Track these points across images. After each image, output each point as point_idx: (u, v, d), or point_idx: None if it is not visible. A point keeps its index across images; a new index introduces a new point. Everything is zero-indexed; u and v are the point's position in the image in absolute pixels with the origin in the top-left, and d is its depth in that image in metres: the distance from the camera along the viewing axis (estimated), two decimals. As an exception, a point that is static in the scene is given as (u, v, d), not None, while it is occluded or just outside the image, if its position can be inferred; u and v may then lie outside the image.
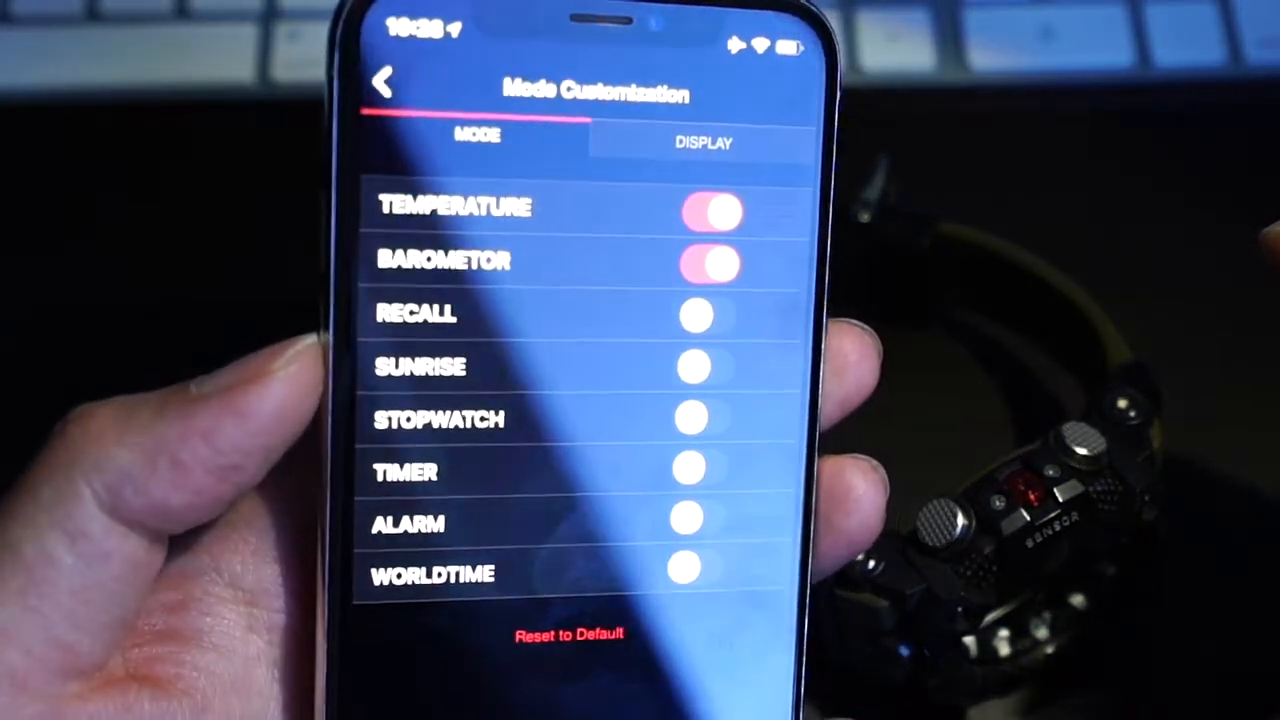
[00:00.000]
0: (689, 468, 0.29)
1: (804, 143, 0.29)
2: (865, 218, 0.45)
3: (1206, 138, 0.52)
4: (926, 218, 0.45)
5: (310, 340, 0.27)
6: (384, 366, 0.28)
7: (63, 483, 0.26)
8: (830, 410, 0.30)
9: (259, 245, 0.48)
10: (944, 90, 0.52)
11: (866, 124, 0.52)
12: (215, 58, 0.52)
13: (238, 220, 0.49)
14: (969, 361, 0.47)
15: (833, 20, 0.52)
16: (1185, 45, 0.52)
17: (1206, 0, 0.53)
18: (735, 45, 0.28)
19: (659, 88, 0.28)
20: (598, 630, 0.29)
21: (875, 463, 0.30)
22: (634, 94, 0.28)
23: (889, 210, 0.45)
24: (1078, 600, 0.39)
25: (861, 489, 0.29)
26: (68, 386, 0.29)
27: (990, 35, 0.53)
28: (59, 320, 0.48)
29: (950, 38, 0.53)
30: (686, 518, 0.29)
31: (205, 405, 0.26)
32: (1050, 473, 0.35)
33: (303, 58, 0.52)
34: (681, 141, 0.28)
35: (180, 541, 0.28)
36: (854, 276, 0.47)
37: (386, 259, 0.27)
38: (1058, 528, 0.35)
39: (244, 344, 0.28)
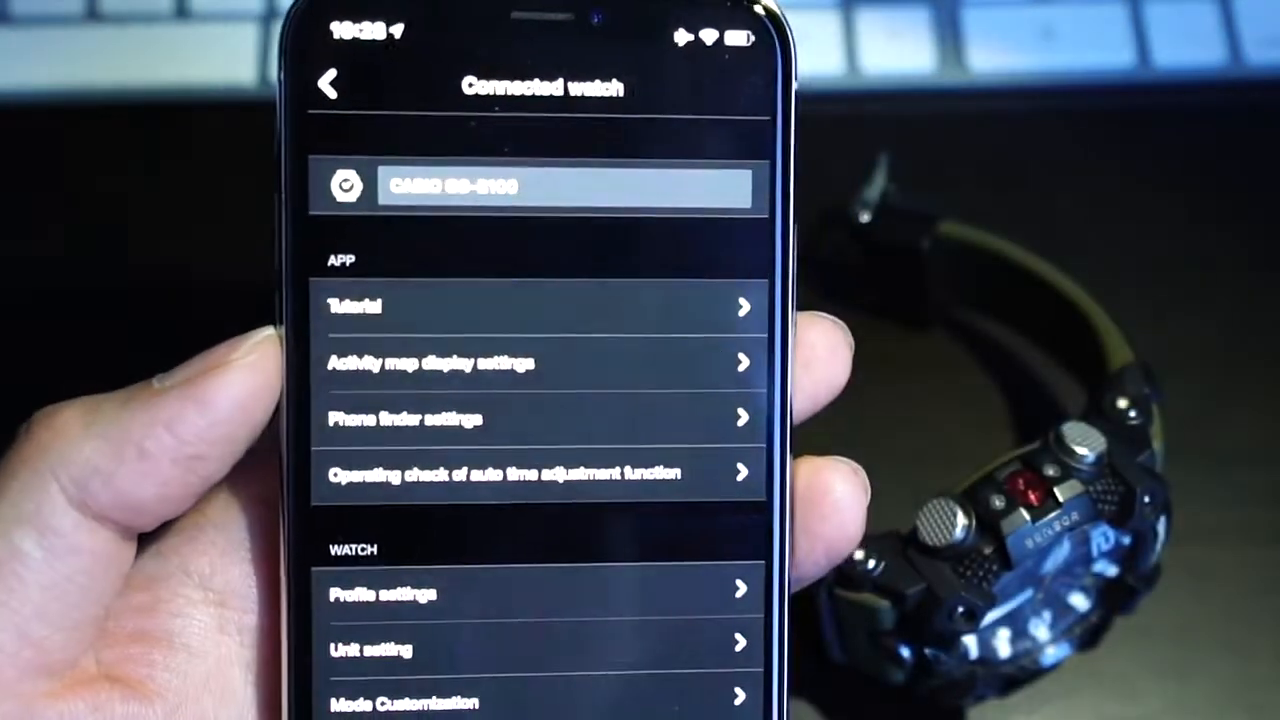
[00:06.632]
0: (647, 469, 0.28)
1: (759, 133, 0.28)
2: (865, 218, 0.45)
3: (1206, 138, 0.52)
4: (926, 218, 0.45)
5: (269, 331, 0.27)
6: (335, 362, 0.28)
7: (30, 478, 0.26)
8: (798, 407, 0.28)
9: (259, 245, 0.48)
10: (944, 90, 0.52)
11: (866, 124, 0.52)
12: (215, 58, 0.52)
13: (237, 220, 0.49)
14: (969, 361, 0.47)
15: (832, 20, 0.53)
16: (1185, 45, 0.52)
17: (1206, 0, 0.53)
18: (682, 37, 0.28)
19: (604, 82, 0.28)
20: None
21: (856, 465, 0.29)
22: (578, 89, 0.28)
23: (889, 210, 0.45)
24: (1078, 600, 0.39)
25: (840, 491, 0.28)
26: (61, 385, 0.29)
27: (990, 35, 0.53)
28: (57, 321, 0.48)
29: (950, 38, 0.53)
30: (647, 523, 0.28)
31: (167, 396, 0.26)
32: (1050, 473, 0.35)
33: (303, 58, 0.52)
34: (630, 134, 0.28)
35: (149, 544, 0.28)
36: (854, 276, 0.47)
37: (334, 254, 0.27)
38: (1058, 528, 0.35)
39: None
